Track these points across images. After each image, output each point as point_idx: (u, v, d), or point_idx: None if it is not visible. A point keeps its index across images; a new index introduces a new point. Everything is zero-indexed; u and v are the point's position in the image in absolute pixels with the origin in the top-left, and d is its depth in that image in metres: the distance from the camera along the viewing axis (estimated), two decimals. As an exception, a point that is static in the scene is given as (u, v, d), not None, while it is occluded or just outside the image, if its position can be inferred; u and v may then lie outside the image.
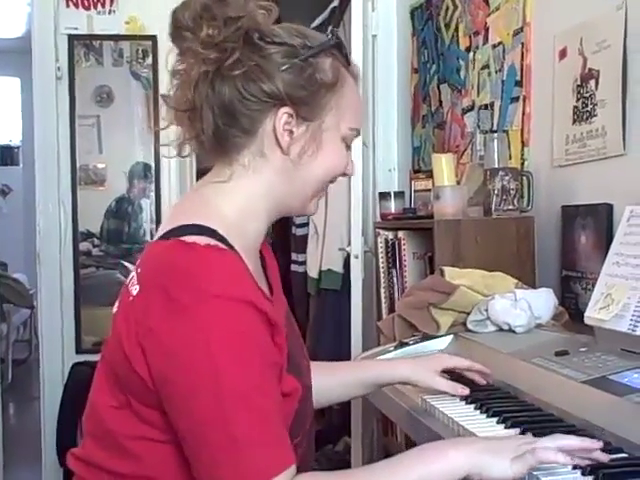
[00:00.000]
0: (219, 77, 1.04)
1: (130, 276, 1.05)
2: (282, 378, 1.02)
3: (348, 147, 1.14)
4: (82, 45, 3.51)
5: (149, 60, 3.52)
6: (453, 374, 1.42)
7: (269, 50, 1.05)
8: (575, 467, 0.98)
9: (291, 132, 1.07)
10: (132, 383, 1.00)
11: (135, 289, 1.01)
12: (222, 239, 1.02)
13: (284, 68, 1.04)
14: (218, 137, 1.08)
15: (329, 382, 1.31)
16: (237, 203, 1.09)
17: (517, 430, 1.15)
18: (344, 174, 1.16)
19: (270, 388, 0.97)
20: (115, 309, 1.07)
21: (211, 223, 1.03)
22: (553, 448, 0.96)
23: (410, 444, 1.08)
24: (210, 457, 0.94)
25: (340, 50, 1.11)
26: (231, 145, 1.08)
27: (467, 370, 1.41)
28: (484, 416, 1.26)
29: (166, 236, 1.03)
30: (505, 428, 1.20)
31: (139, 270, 1.04)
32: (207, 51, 1.03)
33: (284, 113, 1.06)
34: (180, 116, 1.09)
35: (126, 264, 3.65)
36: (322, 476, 1.01)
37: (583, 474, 0.96)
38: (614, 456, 1.01)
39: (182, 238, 1.00)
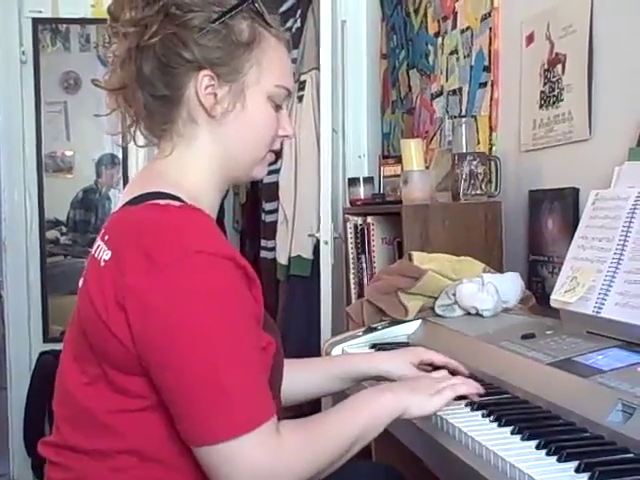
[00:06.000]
0: (140, 51, 1.08)
1: (95, 246, 1.05)
2: (259, 332, 1.03)
3: (279, 107, 1.15)
4: (48, 30, 3.46)
5: (116, 45, 3.47)
6: (432, 367, 1.39)
7: (184, 18, 1.07)
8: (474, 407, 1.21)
9: (214, 94, 1.09)
10: (110, 350, 0.99)
11: (106, 254, 1.01)
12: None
13: (199, 33, 1.07)
14: (150, 112, 1.11)
15: (305, 378, 1.30)
16: (188, 176, 1.11)
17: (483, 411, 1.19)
18: (284, 136, 1.18)
19: (252, 340, 0.99)
20: (80, 284, 1.06)
21: (174, 192, 1.05)
22: (463, 384, 1.18)
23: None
24: (202, 410, 0.94)
25: (258, 12, 1.12)
26: (163, 117, 1.11)
27: (443, 366, 1.37)
28: (462, 404, 1.24)
29: (133, 202, 1.04)
30: (472, 410, 1.21)
31: (107, 237, 1.04)
32: (126, 28, 1.07)
33: (204, 76, 1.08)
34: (118, 100, 1.13)
35: (94, 252, 3.61)
36: (301, 423, 1.03)
37: (577, 471, 0.94)
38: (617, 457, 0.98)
39: (154, 201, 1.02)
